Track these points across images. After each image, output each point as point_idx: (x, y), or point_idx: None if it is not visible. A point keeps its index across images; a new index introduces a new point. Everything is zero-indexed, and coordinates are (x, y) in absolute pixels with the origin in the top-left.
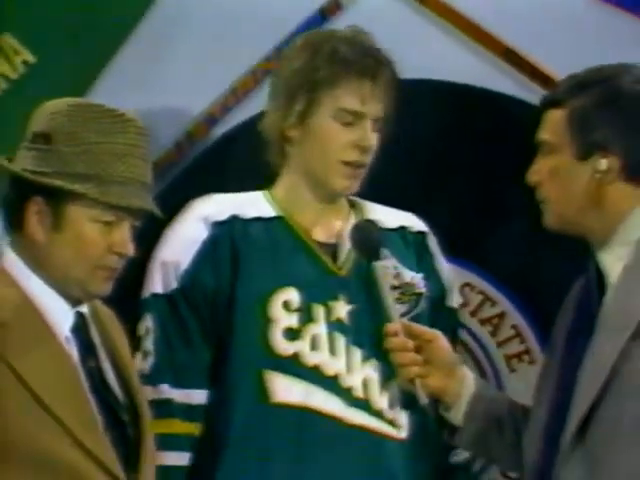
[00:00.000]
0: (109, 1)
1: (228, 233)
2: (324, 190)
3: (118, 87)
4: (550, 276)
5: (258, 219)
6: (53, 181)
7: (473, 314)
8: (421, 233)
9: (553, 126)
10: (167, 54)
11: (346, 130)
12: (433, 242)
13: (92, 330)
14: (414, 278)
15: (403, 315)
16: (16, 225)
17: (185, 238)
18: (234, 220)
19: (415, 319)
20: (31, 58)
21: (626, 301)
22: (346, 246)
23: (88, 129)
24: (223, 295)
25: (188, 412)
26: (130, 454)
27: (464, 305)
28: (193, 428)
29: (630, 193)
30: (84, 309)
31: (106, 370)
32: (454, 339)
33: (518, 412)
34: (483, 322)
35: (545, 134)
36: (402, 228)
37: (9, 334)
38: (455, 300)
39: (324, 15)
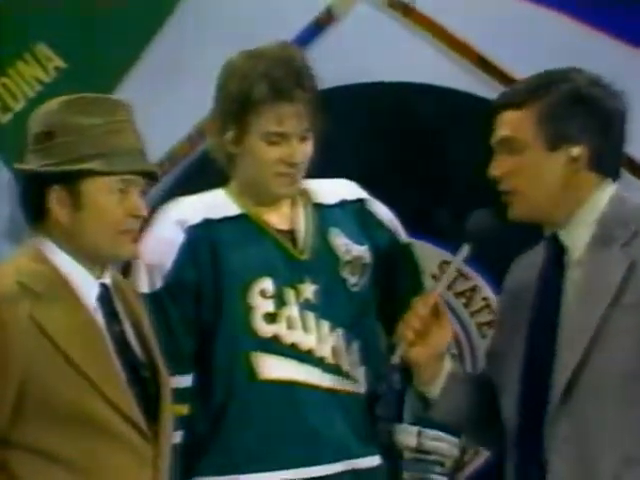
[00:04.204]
0: (131, 13)
1: (204, 234)
2: (270, 195)
3: (138, 91)
4: (516, 256)
5: (226, 218)
6: (64, 168)
7: (449, 288)
8: (360, 200)
9: (516, 124)
10: (181, 65)
11: (274, 148)
12: (372, 203)
13: (115, 299)
14: (360, 251)
15: (354, 285)
16: (40, 216)
17: (165, 241)
18: (207, 222)
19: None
20: (62, 64)
21: (598, 274)
22: (302, 231)
23: (82, 117)
24: (207, 288)
25: (177, 395)
26: (150, 407)
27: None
28: (183, 409)
29: (592, 181)
30: (107, 281)
31: (128, 334)
32: (417, 267)
33: (487, 390)
34: (458, 295)
35: (507, 132)
36: (342, 202)
37: (43, 304)
38: (404, 236)
39: (319, 25)
